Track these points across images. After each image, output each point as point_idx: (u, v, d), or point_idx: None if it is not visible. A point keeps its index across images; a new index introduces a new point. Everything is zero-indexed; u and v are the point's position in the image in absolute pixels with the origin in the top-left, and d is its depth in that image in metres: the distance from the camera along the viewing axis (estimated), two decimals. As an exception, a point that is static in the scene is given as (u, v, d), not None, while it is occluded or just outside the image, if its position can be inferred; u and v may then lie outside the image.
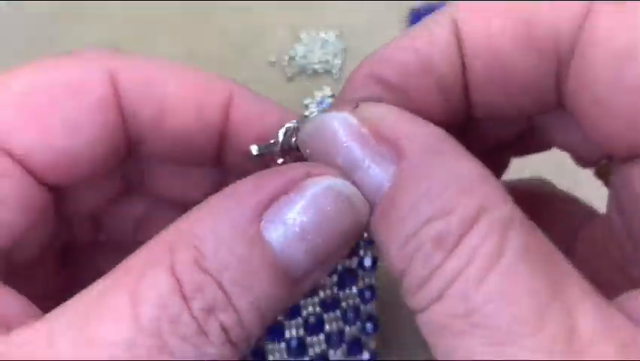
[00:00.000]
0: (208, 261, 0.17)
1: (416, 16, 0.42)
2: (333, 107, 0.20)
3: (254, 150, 0.21)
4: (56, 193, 0.22)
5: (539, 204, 0.24)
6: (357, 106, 0.19)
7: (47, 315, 0.17)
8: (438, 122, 0.18)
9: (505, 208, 0.17)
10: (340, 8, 0.42)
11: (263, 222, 0.17)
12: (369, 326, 0.24)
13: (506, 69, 0.19)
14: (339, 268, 0.23)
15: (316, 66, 0.41)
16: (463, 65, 0.20)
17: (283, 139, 0.21)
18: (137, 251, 0.18)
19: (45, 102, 0.21)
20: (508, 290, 0.15)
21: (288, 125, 0.21)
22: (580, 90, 0.19)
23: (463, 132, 0.22)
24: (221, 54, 0.41)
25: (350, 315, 0.24)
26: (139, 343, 0.16)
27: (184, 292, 0.16)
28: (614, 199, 0.21)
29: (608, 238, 0.22)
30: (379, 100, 0.20)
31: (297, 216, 0.17)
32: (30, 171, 0.21)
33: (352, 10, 0.42)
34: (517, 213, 0.17)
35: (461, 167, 0.17)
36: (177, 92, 0.22)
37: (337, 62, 0.41)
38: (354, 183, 0.18)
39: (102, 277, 0.18)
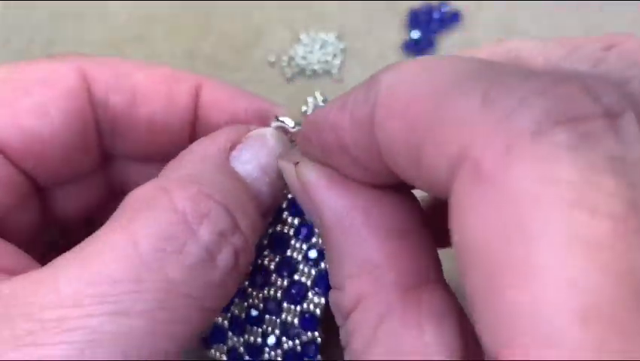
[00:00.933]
0: (210, 188, 0.18)
1: (415, 17, 0.42)
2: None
3: (273, 124, 0.23)
4: (40, 189, 0.23)
5: None
6: (297, 163, 0.20)
7: (49, 263, 0.18)
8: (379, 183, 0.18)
9: (385, 299, 0.17)
10: (340, 9, 0.43)
11: (232, 159, 0.21)
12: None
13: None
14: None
15: (316, 67, 0.41)
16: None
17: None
18: (128, 199, 0.19)
19: (16, 91, 0.22)
20: None
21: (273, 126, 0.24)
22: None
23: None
24: (221, 54, 0.41)
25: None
26: (144, 278, 0.16)
27: (188, 221, 0.17)
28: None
29: None
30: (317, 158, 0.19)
31: (256, 154, 0.21)
32: (4, 153, 0.22)
33: (352, 11, 0.42)
34: (400, 304, 0.17)
35: (361, 248, 0.17)
36: (146, 82, 0.23)
37: (337, 62, 0.41)
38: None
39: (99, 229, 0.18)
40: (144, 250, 0.17)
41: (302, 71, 0.41)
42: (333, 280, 0.18)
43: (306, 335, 0.24)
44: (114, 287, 0.16)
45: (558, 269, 0.11)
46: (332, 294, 0.18)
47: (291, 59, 0.41)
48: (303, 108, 0.25)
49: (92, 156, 0.24)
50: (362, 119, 0.16)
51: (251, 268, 0.24)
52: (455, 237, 0.13)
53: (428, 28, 0.42)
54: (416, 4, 0.43)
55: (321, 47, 0.41)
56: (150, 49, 0.41)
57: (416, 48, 0.41)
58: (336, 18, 0.42)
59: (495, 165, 0.12)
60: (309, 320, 0.23)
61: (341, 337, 0.18)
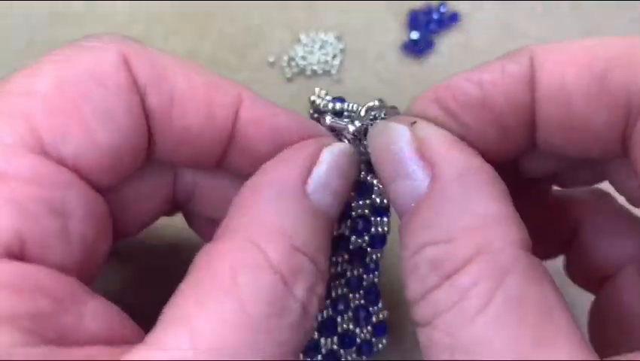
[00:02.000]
0: (298, 239, 0.18)
1: (414, 18, 0.42)
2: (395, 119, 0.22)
3: (328, 119, 0.22)
4: (108, 200, 0.21)
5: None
6: (414, 122, 0.21)
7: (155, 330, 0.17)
8: (493, 153, 0.20)
9: (510, 253, 0.17)
10: (339, 9, 0.43)
11: (310, 195, 0.20)
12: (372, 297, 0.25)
13: (575, 118, 0.20)
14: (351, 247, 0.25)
15: (315, 67, 0.41)
16: (531, 107, 0.20)
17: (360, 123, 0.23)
18: (210, 251, 0.18)
19: (77, 99, 0.19)
20: (491, 338, 0.16)
21: (369, 104, 0.23)
22: None
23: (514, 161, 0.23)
24: (221, 55, 0.41)
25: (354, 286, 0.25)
26: (259, 345, 0.17)
27: (286, 281, 0.17)
28: None
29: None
30: (437, 122, 0.21)
31: (327, 175, 0.20)
32: (82, 176, 0.19)
33: (351, 11, 0.43)
34: (525, 260, 0.17)
35: (481, 204, 0.18)
36: (185, 87, 0.21)
37: (336, 62, 0.41)
38: (394, 187, 0.20)
39: (183, 288, 0.18)
40: (255, 316, 0.17)
41: (302, 72, 0.41)
42: (432, 235, 0.18)
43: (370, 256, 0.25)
44: (235, 357, 0.16)
45: None
46: (428, 250, 0.18)
47: (291, 59, 0.41)
48: (312, 98, 0.24)
49: (144, 153, 0.22)
50: (519, 77, 0.19)
51: None
52: None
53: (427, 28, 0.42)
54: (415, 5, 0.43)
55: (321, 47, 0.41)
56: (150, 49, 0.41)
57: (415, 48, 0.41)
58: (335, 18, 0.42)
59: None
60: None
61: (436, 297, 0.17)
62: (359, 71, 0.41)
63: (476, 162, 0.19)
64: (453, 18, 0.42)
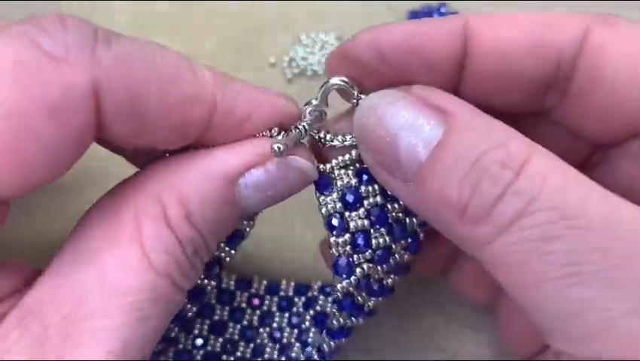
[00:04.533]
0: (194, 217, 0.21)
1: (414, 18, 0.42)
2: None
3: (276, 148, 0.22)
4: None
5: None
6: (407, 89, 0.22)
7: (57, 266, 0.20)
8: None
9: (547, 151, 0.19)
10: (340, 10, 0.43)
11: (238, 187, 0.22)
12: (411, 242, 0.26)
13: (508, 72, 0.22)
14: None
15: (316, 67, 0.41)
16: (461, 62, 0.22)
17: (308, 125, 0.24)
18: (122, 190, 0.22)
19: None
20: (588, 198, 0.18)
21: (308, 108, 0.24)
22: (585, 91, 0.22)
23: None
24: (221, 55, 0.41)
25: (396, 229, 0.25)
26: (159, 285, 0.20)
27: (180, 242, 0.21)
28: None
29: None
30: (371, 65, 0.23)
31: (260, 182, 0.22)
32: None
33: (352, 12, 0.43)
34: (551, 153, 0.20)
35: (501, 124, 0.20)
36: (160, 112, 0.20)
37: (337, 63, 0.41)
38: (403, 143, 0.21)
39: (87, 222, 0.21)
40: (157, 264, 0.20)
41: (302, 72, 0.41)
42: (488, 143, 0.19)
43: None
44: (137, 297, 0.19)
45: None
46: (493, 154, 0.19)
47: (292, 59, 0.41)
48: (305, 107, 0.25)
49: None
50: (452, 32, 0.22)
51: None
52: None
53: (427, 29, 0.42)
54: (416, 6, 0.43)
55: (321, 47, 0.41)
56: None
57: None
58: (336, 19, 0.42)
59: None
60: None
61: (520, 186, 0.18)
62: (359, 71, 0.41)
63: (469, 104, 0.21)
64: (453, 18, 0.42)
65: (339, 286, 0.24)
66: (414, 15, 0.43)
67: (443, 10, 0.42)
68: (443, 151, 0.20)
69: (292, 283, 0.32)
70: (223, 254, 0.25)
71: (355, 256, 0.24)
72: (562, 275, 0.17)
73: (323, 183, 0.24)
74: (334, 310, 0.25)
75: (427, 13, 0.42)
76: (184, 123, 0.21)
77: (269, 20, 0.42)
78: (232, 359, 0.29)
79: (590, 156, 0.25)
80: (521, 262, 0.18)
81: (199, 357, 0.29)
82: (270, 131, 0.23)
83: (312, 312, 0.31)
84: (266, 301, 0.31)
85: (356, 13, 0.43)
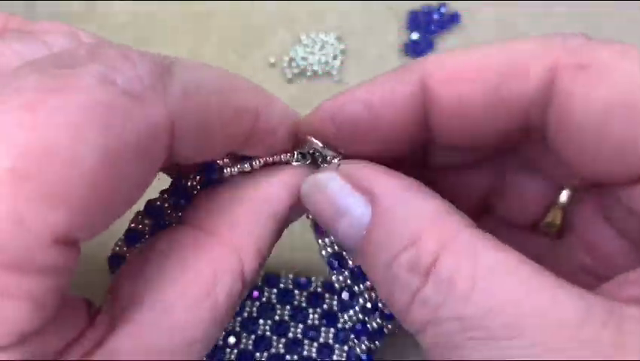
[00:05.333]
0: (264, 250, 0.22)
1: (415, 18, 0.42)
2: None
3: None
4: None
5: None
6: (339, 165, 0.22)
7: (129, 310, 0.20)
8: (387, 159, 0.22)
9: (468, 234, 0.19)
10: (340, 10, 0.43)
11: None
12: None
13: (472, 127, 0.21)
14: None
15: (316, 67, 0.41)
16: (422, 121, 0.22)
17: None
18: (192, 233, 0.22)
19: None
20: (494, 302, 0.17)
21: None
22: (562, 139, 0.21)
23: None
24: (221, 55, 0.41)
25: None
26: (214, 333, 0.20)
27: (246, 284, 0.21)
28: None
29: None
30: (331, 138, 0.23)
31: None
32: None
33: (352, 12, 0.43)
34: (482, 235, 0.19)
35: (423, 207, 0.20)
36: (219, 130, 0.21)
37: (337, 63, 0.41)
38: (339, 229, 0.21)
39: (162, 271, 0.20)
40: (220, 314, 0.20)
41: (302, 72, 0.41)
42: (398, 244, 0.19)
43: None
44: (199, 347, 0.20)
45: None
46: (401, 258, 0.19)
47: (292, 60, 0.41)
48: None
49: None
50: (410, 96, 0.21)
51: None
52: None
53: (427, 29, 0.42)
54: (416, 6, 0.43)
55: (321, 47, 0.41)
56: (151, 50, 0.41)
57: (415, 49, 0.41)
58: (336, 19, 0.42)
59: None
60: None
61: (425, 294, 0.18)
62: (360, 71, 0.41)
63: (404, 178, 0.21)
64: (453, 19, 0.42)
65: (346, 316, 0.26)
66: (414, 15, 0.43)
67: (443, 10, 0.42)
68: (367, 246, 0.20)
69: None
70: None
71: (356, 287, 0.25)
72: None
73: (318, 226, 0.25)
74: (354, 341, 0.26)
75: (427, 13, 0.42)
76: (235, 135, 0.21)
77: (269, 20, 0.42)
78: (265, 355, 0.30)
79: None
80: (445, 352, 0.19)
81: (232, 356, 0.30)
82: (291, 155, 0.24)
83: (319, 310, 0.31)
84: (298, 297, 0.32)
85: (356, 13, 0.43)
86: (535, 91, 0.20)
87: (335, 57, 0.41)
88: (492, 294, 0.17)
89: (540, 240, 0.25)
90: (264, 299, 0.32)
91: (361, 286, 0.25)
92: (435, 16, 0.42)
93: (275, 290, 0.32)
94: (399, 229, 0.19)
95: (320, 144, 0.24)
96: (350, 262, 0.25)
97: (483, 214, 0.27)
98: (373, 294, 0.25)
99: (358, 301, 0.25)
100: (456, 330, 0.17)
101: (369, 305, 0.25)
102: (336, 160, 0.24)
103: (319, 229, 0.25)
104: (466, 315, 0.17)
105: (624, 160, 0.19)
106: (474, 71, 0.21)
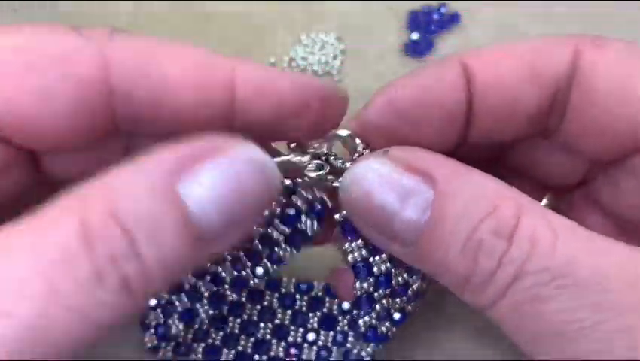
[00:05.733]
0: (122, 212, 0.17)
1: (415, 18, 0.42)
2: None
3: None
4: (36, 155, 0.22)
5: None
6: (386, 152, 0.22)
7: None
8: (436, 147, 0.23)
9: (530, 201, 0.20)
10: (340, 10, 0.43)
11: (180, 181, 0.18)
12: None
13: (511, 104, 0.23)
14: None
15: (316, 68, 0.41)
16: (469, 103, 0.23)
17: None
18: (52, 202, 0.18)
19: (27, 66, 0.20)
20: (576, 253, 0.19)
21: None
22: (581, 112, 0.22)
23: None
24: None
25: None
26: (34, 282, 0.16)
27: (89, 237, 0.17)
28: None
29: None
30: (389, 127, 0.23)
31: (213, 180, 0.18)
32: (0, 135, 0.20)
33: (352, 12, 0.43)
34: (543, 206, 0.21)
35: (485, 180, 0.21)
36: (175, 74, 0.21)
37: (337, 63, 0.41)
38: (397, 218, 0.21)
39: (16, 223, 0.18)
40: (42, 258, 0.17)
41: (302, 72, 0.41)
42: (478, 212, 0.20)
43: None
44: (6, 285, 0.16)
45: None
46: (485, 224, 0.20)
47: (292, 60, 0.41)
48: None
49: (98, 135, 0.22)
50: (454, 78, 0.22)
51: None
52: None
53: (427, 29, 0.42)
54: (416, 6, 0.43)
55: (322, 48, 0.41)
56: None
57: (415, 49, 0.41)
58: (336, 19, 0.42)
59: None
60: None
61: (512, 255, 0.19)
62: (360, 71, 0.41)
63: (454, 160, 0.22)
64: (453, 19, 0.42)
65: (361, 322, 0.25)
66: (414, 15, 0.43)
67: (443, 10, 0.42)
68: (439, 222, 0.20)
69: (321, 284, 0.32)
70: (281, 252, 0.25)
71: (376, 293, 0.25)
72: (556, 333, 0.19)
73: (347, 228, 0.24)
74: (363, 344, 0.26)
75: (427, 13, 0.42)
76: (203, 88, 0.21)
77: (269, 20, 0.42)
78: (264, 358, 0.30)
79: (589, 173, 0.26)
80: (519, 323, 0.20)
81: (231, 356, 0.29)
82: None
83: (319, 314, 0.31)
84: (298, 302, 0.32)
85: (356, 13, 0.43)
86: (563, 65, 0.22)
87: (335, 57, 0.41)
88: (574, 247, 0.19)
89: None
90: (265, 303, 0.32)
91: (382, 291, 0.25)
92: (435, 16, 0.42)
93: (276, 294, 0.32)
94: (474, 201, 0.20)
95: (347, 132, 0.23)
96: (375, 269, 0.24)
97: None
98: (390, 300, 0.25)
99: (374, 308, 0.25)
100: (544, 281, 0.18)
101: (385, 312, 0.25)
102: (366, 151, 0.23)
103: (350, 231, 0.24)
104: (553, 265, 0.18)
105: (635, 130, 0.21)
106: (510, 51, 0.22)
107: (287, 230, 0.25)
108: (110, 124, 0.22)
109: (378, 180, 0.21)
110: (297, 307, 0.31)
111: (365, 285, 0.24)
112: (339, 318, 0.30)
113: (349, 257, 0.24)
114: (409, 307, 0.26)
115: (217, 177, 0.18)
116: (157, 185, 0.18)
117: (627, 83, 0.21)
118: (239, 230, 0.20)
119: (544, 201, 0.27)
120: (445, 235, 0.20)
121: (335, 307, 0.31)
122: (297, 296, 0.31)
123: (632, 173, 0.23)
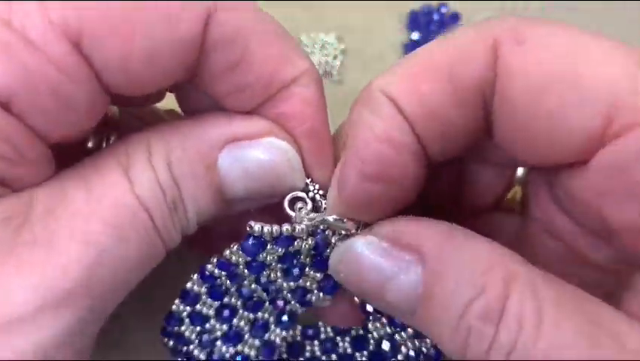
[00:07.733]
0: (175, 168, 0.21)
1: (415, 18, 0.43)
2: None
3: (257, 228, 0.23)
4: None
5: None
6: (371, 228, 0.21)
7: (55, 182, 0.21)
8: (411, 182, 0.21)
9: (524, 271, 0.19)
10: (340, 10, 0.43)
11: (222, 153, 0.22)
12: None
13: (447, 127, 0.21)
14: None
15: (316, 67, 0.41)
16: (418, 140, 0.21)
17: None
18: (125, 139, 0.22)
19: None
20: (561, 340, 0.18)
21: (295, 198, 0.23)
22: (504, 120, 0.21)
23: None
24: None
25: None
26: (139, 214, 0.20)
27: (160, 185, 0.21)
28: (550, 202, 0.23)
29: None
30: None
31: (249, 159, 0.22)
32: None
33: (352, 12, 0.43)
34: (533, 269, 0.19)
35: (475, 246, 0.20)
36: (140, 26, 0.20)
37: (337, 63, 0.41)
38: (388, 295, 0.21)
39: (89, 162, 0.21)
40: (139, 192, 0.21)
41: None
42: (466, 294, 0.19)
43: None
44: (116, 212, 0.20)
45: None
46: (474, 308, 0.19)
47: (292, 60, 0.41)
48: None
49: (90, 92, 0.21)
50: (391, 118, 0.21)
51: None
52: None
53: (427, 29, 0.42)
54: (416, 6, 0.43)
55: (322, 47, 0.41)
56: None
57: (415, 49, 0.41)
58: (336, 19, 0.42)
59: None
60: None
61: (500, 340, 0.19)
62: (360, 71, 0.41)
63: (446, 224, 0.21)
64: (454, 18, 0.42)
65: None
66: (414, 15, 0.43)
67: (443, 10, 0.42)
68: (430, 300, 0.20)
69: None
70: (314, 298, 0.25)
71: (397, 336, 0.25)
72: None
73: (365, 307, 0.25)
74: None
75: (427, 13, 0.43)
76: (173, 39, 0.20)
77: (269, 20, 0.42)
78: None
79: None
80: None
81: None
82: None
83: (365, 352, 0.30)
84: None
85: (356, 13, 0.43)
86: (482, 71, 0.20)
87: (335, 57, 0.41)
88: (558, 329, 0.18)
89: (512, 219, 0.25)
90: (308, 354, 0.30)
91: (403, 334, 0.24)
92: (435, 16, 0.42)
93: (316, 342, 0.30)
94: (462, 280, 0.19)
95: (335, 218, 0.22)
96: (403, 349, 0.24)
97: (448, 203, 0.27)
98: (417, 342, 0.25)
99: (400, 351, 0.25)
100: None
101: (413, 353, 0.25)
102: (353, 230, 0.22)
103: (366, 311, 0.24)
104: (536, 352, 0.18)
105: (557, 138, 0.19)
106: (424, 70, 0.21)
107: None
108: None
109: (366, 261, 0.21)
110: (340, 350, 0.30)
111: (378, 324, 0.25)
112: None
113: (374, 334, 0.25)
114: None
115: (252, 158, 0.22)
116: (204, 153, 0.22)
117: (545, 89, 0.19)
118: (259, 201, 0.23)
119: (519, 172, 0.25)
120: (437, 313, 0.20)
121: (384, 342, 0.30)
122: (338, 338, 0.30)
123: (579, 178, 0.21)
